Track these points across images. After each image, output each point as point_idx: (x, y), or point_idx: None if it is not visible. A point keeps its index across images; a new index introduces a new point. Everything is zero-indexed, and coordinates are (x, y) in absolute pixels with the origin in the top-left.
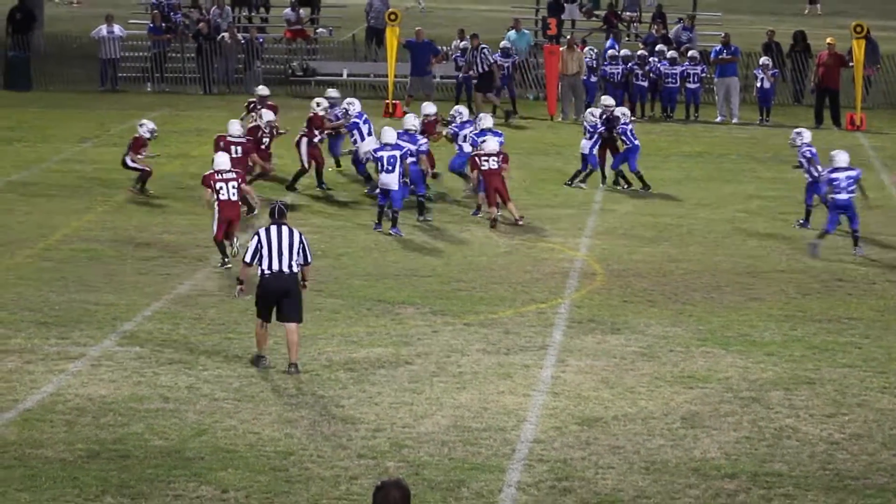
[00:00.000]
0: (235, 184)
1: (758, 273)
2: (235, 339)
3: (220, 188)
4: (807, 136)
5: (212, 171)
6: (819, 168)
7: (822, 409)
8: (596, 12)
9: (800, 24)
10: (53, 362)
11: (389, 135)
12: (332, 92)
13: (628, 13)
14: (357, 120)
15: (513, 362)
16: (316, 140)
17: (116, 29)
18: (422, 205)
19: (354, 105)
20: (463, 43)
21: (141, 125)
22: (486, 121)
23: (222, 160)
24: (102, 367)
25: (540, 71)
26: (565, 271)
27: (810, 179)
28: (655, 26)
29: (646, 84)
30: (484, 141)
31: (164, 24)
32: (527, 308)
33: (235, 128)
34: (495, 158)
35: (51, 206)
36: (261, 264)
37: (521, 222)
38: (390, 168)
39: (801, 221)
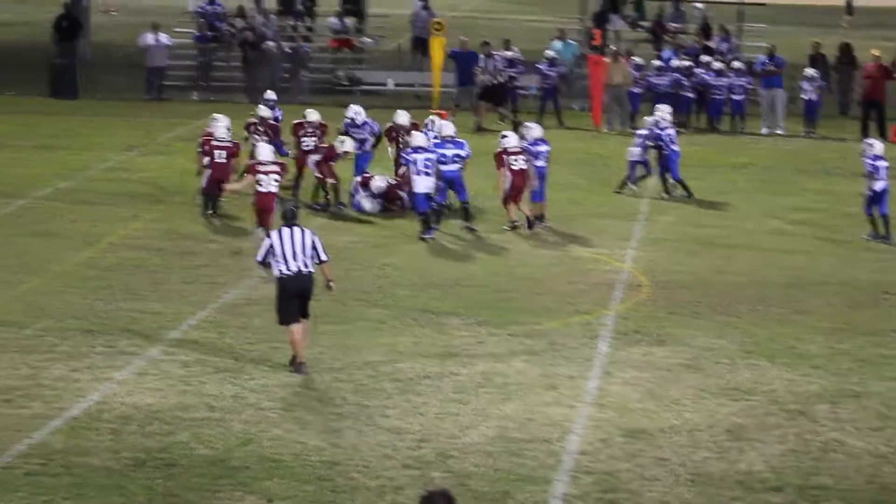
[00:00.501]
0: (277, 176)
1: (804, 285)
2: (281, 349)
3: (260, 179)
4: (877, 147)
5: (254, 161)
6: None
7: (869, 422)
8: (641, 23)
9: (844, 35)
10: (100, 370)
11: (422, 139)
12: (270, 94)
13: (674, 24)
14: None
15: (558, 373)
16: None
17: (163, 37)
18: (466, 211)
19: (360, 115)
20: (509, 53)
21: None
22: (447, 129)
23: (264, 151)
24: (148, 376)
25: (585, 81)
26: (611, 282)
27: (869, 193)
28: (698, 37)
29: (693, 95)
30: (505, 136)
31: (209, 33)
32: (572, 319)
33: (221, 131)
34: (523, 158)
35: (97, 214)
36: (279, 267)
37: (518, 225)
38: (428, 171)
39: (872, 234)
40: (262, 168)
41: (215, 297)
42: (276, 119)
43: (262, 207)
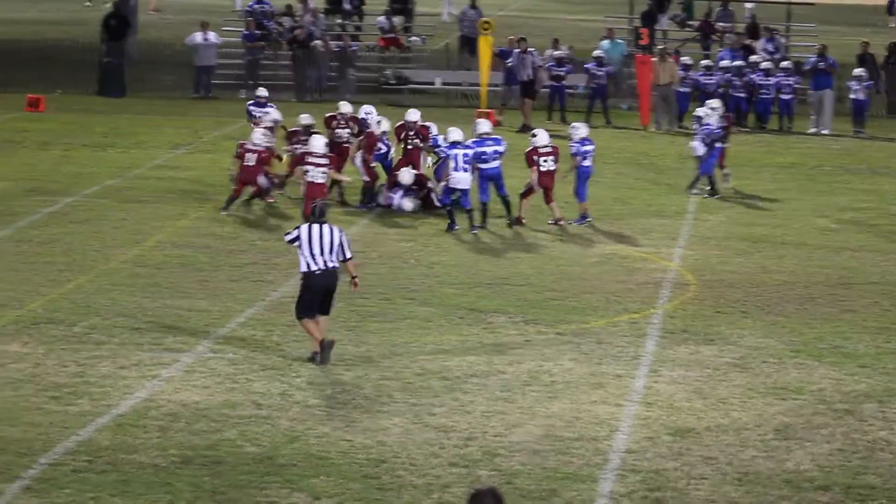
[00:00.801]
0: (325, 169)
1: (851, 284)
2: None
3: (309, 170)
4: None
5: (306, 151)
6: None
7: None
8: (689, 22)
9: (892, 35)
10: (147, 368)
11: (457, 134)
12: (262, 91)
13: (721, 24)
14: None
15: (605, 372)
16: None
17: (211, 36)
18: (508, 204)
19: (373, 115)
20: (557, 52)
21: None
22: (483, 126)
23: (318, 143)
24: (196, 374)
25: (633, 81)
26: (658, 281)
27: None
28: (743, 37)
29: (743, 95)
30: (535, 135)
31: (257, 32)
32: (619, 318)
33: (256, 136)
34: (553, 158)
35: (144, 212)
36: (305, 262)
37: (561, 223)
38: (466, 167)
39: None
40: (312, 159)
41: (263, 295)
42: (274, 120)
43: (312, 196)
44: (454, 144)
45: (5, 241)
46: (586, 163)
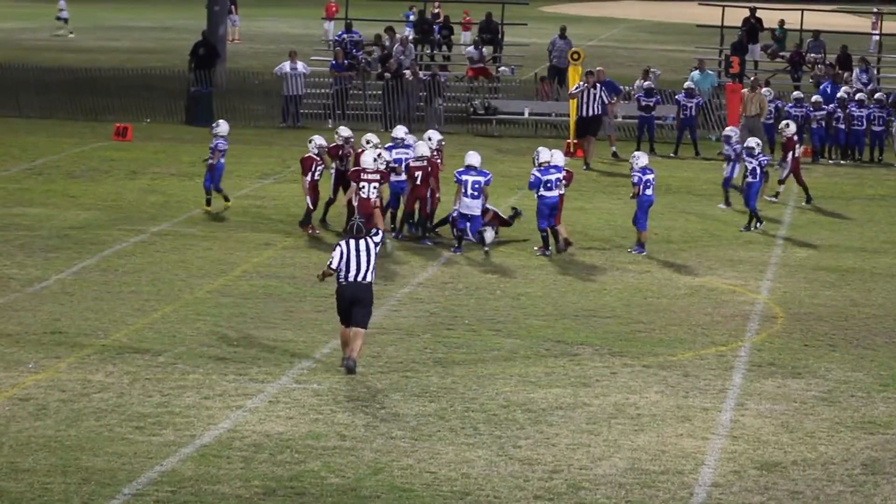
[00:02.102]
0: (377, 185)
1: None
2: (413, 378)
3: (362, 186)
4: None
5: (358, 168)
6: None
7: None
8: (781, 53)
9: None
10: (231, 398)
11: (474, 159)
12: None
13: (812, 55)
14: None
15: (691, 405)
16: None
17: (300, 66)
18: (556, 234)
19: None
20: (646, 83)
21: (309, 141)
22: (545, 154)
23: (368, 159)
24: (280, 404)
25: (722, 112)
26: (746, 314)
27: None
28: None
29: (842, 127)
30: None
31: (346, 61)
32: (706, 351)
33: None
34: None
35: (231, 241)
36: (339, 275)
37: (569, 245)
38: (475, 194)
39: None
40: (364, 175)
41: None
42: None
43: (361, 212)
44: (467, 170)
45: (91, 270)
46: (648, 191)
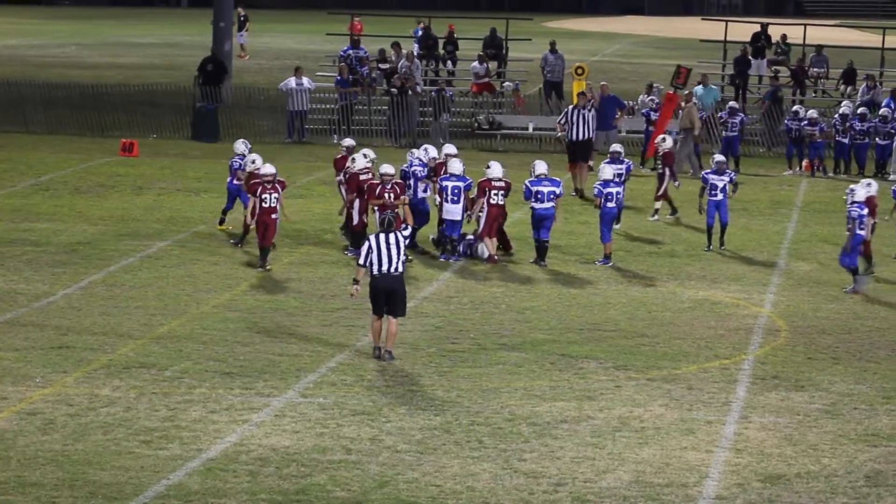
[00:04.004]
0: (506, 191)
1: None
2: (418, 391)
3: (498, 193)
4: None
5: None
6: None
7: None
8: (785, 66)
9: None
10: (237, 412)
11: (456, 166)
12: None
13: (815, 69)
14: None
15: (695, 418)
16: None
17: (305, 81)
18: (545, 250)
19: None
20: (650, 97)
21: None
22: (541, 167)
23: (387, 170)
24: (286, 418)
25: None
26: (749, 327)
27: None
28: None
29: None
30: (489, 167)
31: (350, 77)
32: (710, 364)
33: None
34: (503, 193)
35: (237, 256)
36: (371, 267)
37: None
38: (455, 199)
39: None
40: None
41: (354, 340)
42: (241, 167)
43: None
44: (448, 176)
45: (98, 284)
46: (610, 204)
